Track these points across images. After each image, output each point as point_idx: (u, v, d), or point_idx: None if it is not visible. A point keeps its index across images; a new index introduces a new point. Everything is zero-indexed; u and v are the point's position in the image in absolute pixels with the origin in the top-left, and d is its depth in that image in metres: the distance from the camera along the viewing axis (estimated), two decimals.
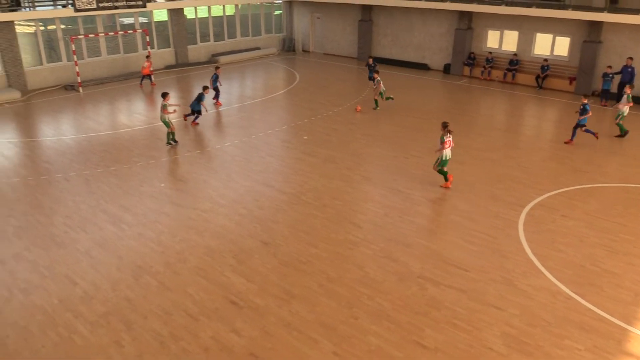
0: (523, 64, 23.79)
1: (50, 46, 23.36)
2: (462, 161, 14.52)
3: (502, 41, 24.60)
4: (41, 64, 22.89)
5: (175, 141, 15.75)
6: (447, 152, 12.47)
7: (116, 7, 22.96)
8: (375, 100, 19.51)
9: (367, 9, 28.51)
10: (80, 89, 22.14)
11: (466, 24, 24.96)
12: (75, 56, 22.08)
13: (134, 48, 25.90)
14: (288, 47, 32.65)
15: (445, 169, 12.73)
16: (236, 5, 30.08)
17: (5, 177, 13.47)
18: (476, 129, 17.45)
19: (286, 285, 9.00)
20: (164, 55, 26.92)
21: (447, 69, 26.04)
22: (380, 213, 11.58)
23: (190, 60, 27.78)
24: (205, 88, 17.24)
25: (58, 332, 7.87)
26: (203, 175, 13.66)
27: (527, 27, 23.45)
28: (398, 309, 8.37)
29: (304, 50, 32.66)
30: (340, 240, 10.44)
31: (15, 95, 20.88)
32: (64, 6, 22.26)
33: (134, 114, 19.06)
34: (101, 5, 22.42)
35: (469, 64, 25.06)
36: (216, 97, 20.03)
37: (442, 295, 8.73)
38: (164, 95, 15.47)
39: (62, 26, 23.41)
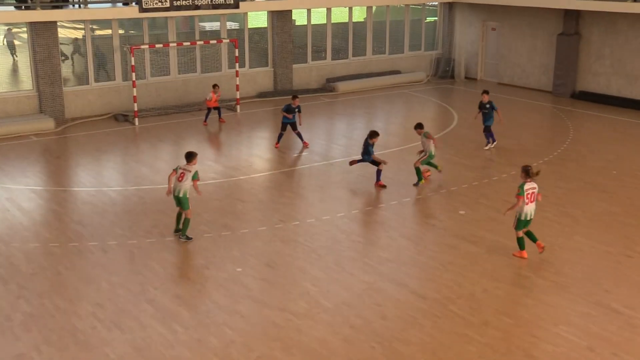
0: None
1: (101, 59, 25.50)
2: None
3: None
4: (87, 83, 24.99)
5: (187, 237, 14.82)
6: (529, 209, 13.04)
7: (197, 7, 24.72)
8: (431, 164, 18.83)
9: (572, 16, 28.23)
10: (136, 121, 23.73)
11: None
12: (134, 74, 23.84)
13: (216, 65, 27.51)
14: (443, 72, 33.06)
15: (520, 233, 13.44)
16: (369, 8, 31.15)
17: (20, 240, 14.57)
18: None
19: None
20: (257, 78, 28.28)
21: None
22: (581, 345, 10.95)
23: (294, 86, 28.90)
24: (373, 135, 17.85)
25: None
26: (300, 259, 13.85)
27: None
28: None
29: (467, 78, 32.85)
30: None
31: (48, 124, 22.84)
32: (125, 4, 24.34)
33: (205, 162, 20.00)
34: (176, 3, 24.23)
35: None
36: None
37: None
38: (191, 155, 14.64)
39: (121, 31, 25.52)
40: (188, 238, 14.62)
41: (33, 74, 23.83)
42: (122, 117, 24.41)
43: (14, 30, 25.00)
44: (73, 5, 23.77)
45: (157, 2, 23.82)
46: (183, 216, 14.59)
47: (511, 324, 11.56)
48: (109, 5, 24.70)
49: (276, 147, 21.33)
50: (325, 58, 30.46)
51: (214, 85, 24.18)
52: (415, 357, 10.60)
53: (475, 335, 11.18)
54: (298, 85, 29.09)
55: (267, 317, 11.66)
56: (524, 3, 28.93)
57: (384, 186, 17.89)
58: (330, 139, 22.69)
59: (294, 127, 21.10)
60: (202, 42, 26.44)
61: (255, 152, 21.01)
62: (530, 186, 13.12)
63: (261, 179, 18.65)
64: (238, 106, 25.90)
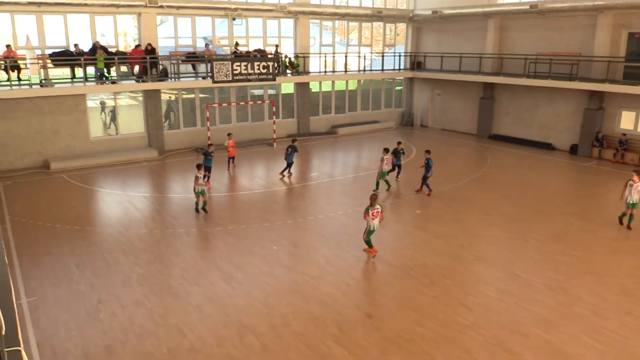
0: None
1: (187, 112, 25.73)
2: (590, 249, 13.39)
3: (638, 122, 22.97)
4: (178, 127, 25.23)
5: (205, 210, 15.81)
6: (374, 224, 12.64)
7: (249, 80, 24.88)
8: (386, 182, 18.49)
9: (489, 86, 28.29)
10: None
11: (597, 104, 23.74)
12: (208, 122, 24.10)
13: (261, 117, 27.73)
14: (406, 122, 33.07)
15: (367, 239, 12.85)
16: (359, 81, 31.33)
17: (136, 227, 14.68)
18: (606, 214, 16.11)
19: None
20: (287, 125, 28.46)
21: (574, 150, 24.69)
22: (494, 297, 10.89)
23: (311, 130, 29.05)
24: (398, 145, 19.16)
25: None
26: (314, 241, 13.87)
27: None
28: None
29: (422, 125, 32.86)
30: (448, 322, 9.90)
31: (154, 154, 23.07)
32: (204, 78, 24.59)
33: (255, 178, 20.12)
34: (236, 78, 24.43)
35: (597, 146, 23.61)
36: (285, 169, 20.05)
37: None
38: (199, 167, 15.89)
39: (201, 95, 25.79)
40: (206, 211, 15.80)
41: (145, 122, 24.04)
42: (201, 150, 24.52)
43: (133, 95, 25.26)
44: (171, 79, 23.97)
45: (224, 77, 24.05)
46: (202, 200, 15.84)
47: (450, 284, 11.51)
48: (193, 79, 24.94)
49: (281, 176, 20.06)
50: (330, 112, 30.58)
51: (229, 134, 21.44)
52: (388, 305, 10.58)
53: (426, 291, 11.14)
54: (313, 130, 29.22)
55: (292, 278, 11.67)
56: (458, 78, 29.03)
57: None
58: (334, 165, 22.73)
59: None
60: (252, 102, 26.63)
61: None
62: (374, 208, 12.53)
63: (289, 190, 18.69)
64: (275, 143, 25.99)
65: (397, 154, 19.38)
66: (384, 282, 11.55)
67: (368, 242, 12.85)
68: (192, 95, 25.67)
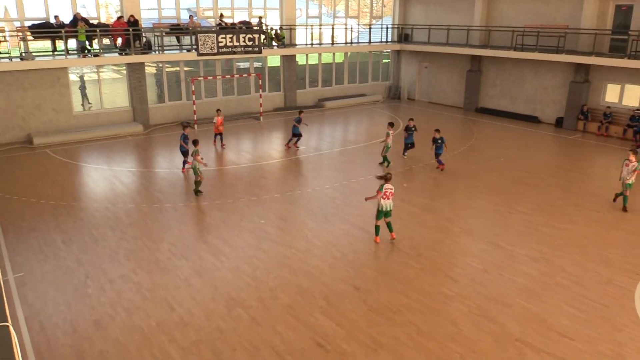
0: None
1: (172, 86, 25.41)
2: (573, 221, 13.60)
3: (622, 95, 23.14)
4: (163, 101, 24.93)
5: (200, 191, 15.16)
6: (387, 204, 11.85)
7: (234, 53, 24.56)
8: (385, 157, 18.18)
9: (476, 59, 28.22)
10: (196, 126, 23.70)
11: (583, 77, 23.83)
12: (194, 96, 23.84)
13: (247, 90, 27.48)
14: (393, 95, 32.97)
15: (378, 222, 12.05)
16: (345, 53, 31.06)
17: (122, 203, 14.61)
18: (590, 187, 16.34)
19: (374, 333, 8.78)
20: (274, 99, 28.27)
21: (559, 123, 24.87)
22: (479, 269, 11.06)
23: (298, 104, 28.87)
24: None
25: (153, 353, 8.22)
26: (301, 215, 13.91)
27: None
28: None
29: (409, 99, 32.80)
30: (434, 293, 10.07)
31: (139, 129, 22.82)
32: (188, 50, 24.22)
33: (241, 152, 20.03)
34: (221, 50, 24.11)
35: (582, 119, 23.80)
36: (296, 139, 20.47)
37: None
38: (196, 142, 15.28)
39: (186, 68, 25.44)
40: (200, 192, 15.17)
41: (129, 96, 23.71)
42: (186, 124, 24.15)
43: (117, 68, 24.82)
44: (154, 52, 23.58)
45: (209, 49, 23.72)
46: (196, 180, 15.11)
47: (436, 256, 11.66)
48: (177, 51, 24.56)
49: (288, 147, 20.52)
50: (317, 85, 30.38)
51: (218, 110, 20.57)
52: (375, 277, 10.70)
53: (413, 263, 11.28)
54: (300, 103, 29.03)
55: (280, 252, 11.74)
56: (445, 51, 28.89)
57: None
58: (321, 138, 22.67)
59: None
60: (237, 75, 26.35)
61: (272, 146, 20.99)
62: (388, 186, 11.82)
63: (276, 164, 18.65)
64: (261, 117, 25.83)
65: (409, 130, 19.05)
66: (371, 254, 11.66)
67: (376, 228, 12.22)
68: (177, 69, 25.32)
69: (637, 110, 22.24)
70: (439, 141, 17.59)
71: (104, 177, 16.81)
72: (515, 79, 26.88)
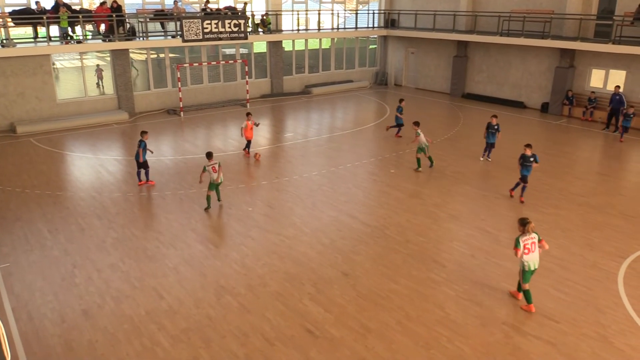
0: (632, 106, 22.34)
1: (157, 73, 25.15)
2: (558, 205, 13.76)
3: (607, 81, 23.34)
4: (149, 89, 24.67)
5: (217, 199, 13.67)
6: (532, 260, 9.01)
7: (220, 39, 24.32)
8: (418, 159, 16.49)
9: (462, 45, 28.24)
10: (182, 114, 23.53)
11: (568, 62, 23.96)
12: (179, 83, 23.63)
13: (233, 77, 27.29)
14: (380, 81, 32.92)
15: (527, 286, 9.09)
16: (332, 39, 30.91)
17: (108, 191, 14.50)
18: (574, 171, 16.52)
19: (363, 319, 8.86)
20: (260, 85, 28.10)
21: (545, 108, 25.03)
22: (466, 254, 11.18)
23: (284, 90, 28.76)
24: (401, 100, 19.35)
25: (142, 342, 8.22)
26: (289, 202, 13.92)
27: (636, 67, 22.09)
28: (479, 355, 7.95)
29: (396, 84, 32.78)
30: (422, 278, 10.17)
31: (124, 116, 22.59)
32: (173, 37, 23.93)
33: (228, 140, 19.94)
34: (206, 36, 23.86)
35: (567, 104, 23.98)
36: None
37: (528, 346, 8.19)
38: (209, 155, 13.53)
39: (171, 55, 25.16)
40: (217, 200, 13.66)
41: (114, 84, 23.43)
42: (172, 111, 24.19)
43: (100, 55, 24.48)
44: (139, 38, 23.26)
45: (194, 35, 23.46)
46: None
47: (423, 241, 11.75)
48: (162, 38, 24.25)
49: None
50: (304, 72, 30.24)
51: (248, 114, 17.68)
52: (363, 263, 10.77)
53: (401, 249, 11.36)
54: (287, 90, 28.91)
55: (268, 239, 11.76)
56: (432, 36, 28.85)
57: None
58: (308, 125, 22.62)
59: None
60: (224, 62, 26.13)
61: (259, 133, 20.90)
62: (527, 237, 8.87)
63: (263, 151, 18.59)
64: (248, 103, 25.69)
65: (399, 110, 19.94)
66: (360, 241, 11.72)
67: (526, 294, 9.11)
68: (162, 55, 25.04)
69: (593, 92, 22.99)
70: (531, 159, 13.94)
71: (90, 166, 16.65)
72: (502, 64, 26.96)
